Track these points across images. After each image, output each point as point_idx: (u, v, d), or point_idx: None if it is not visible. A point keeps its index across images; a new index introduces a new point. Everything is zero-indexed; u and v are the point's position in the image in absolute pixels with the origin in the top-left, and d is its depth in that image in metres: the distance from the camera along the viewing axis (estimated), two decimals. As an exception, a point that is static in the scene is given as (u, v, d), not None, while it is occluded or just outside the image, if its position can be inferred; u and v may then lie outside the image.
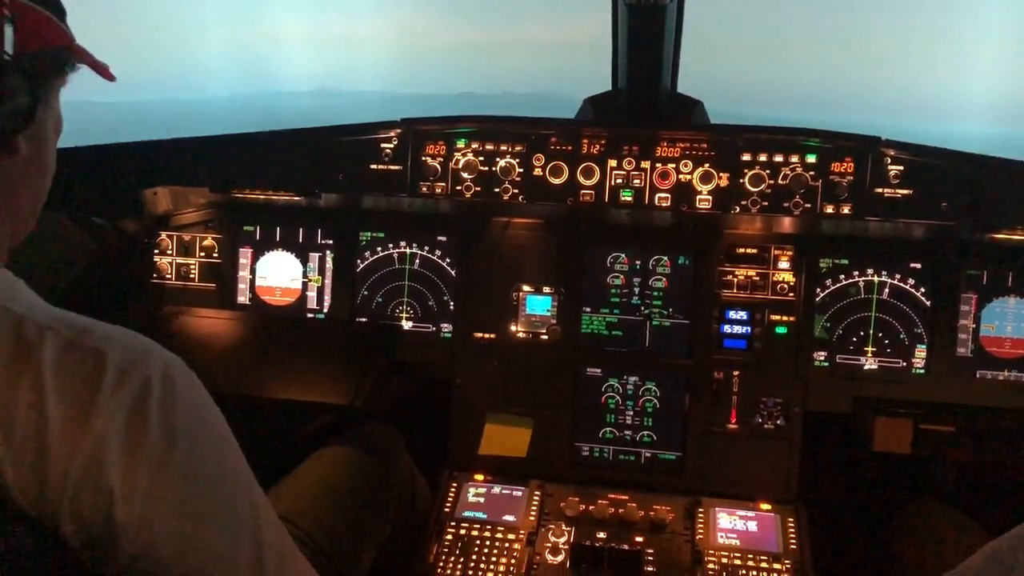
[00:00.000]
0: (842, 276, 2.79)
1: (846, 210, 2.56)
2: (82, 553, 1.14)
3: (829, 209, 2.57)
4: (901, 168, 2.54)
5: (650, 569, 2.39)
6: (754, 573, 2.40)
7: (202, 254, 3.07)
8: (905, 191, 2.54)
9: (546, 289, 2.87)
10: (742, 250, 2.80)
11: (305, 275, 3.03)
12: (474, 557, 2.44)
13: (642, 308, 2.84)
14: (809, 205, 2.58)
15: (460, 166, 2.70)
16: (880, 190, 2.55)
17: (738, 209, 2.61)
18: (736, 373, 2.77)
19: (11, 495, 1.10)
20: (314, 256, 3.02)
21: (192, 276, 3.07)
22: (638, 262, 2.84)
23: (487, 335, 2.90)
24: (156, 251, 3.07)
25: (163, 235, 3.06)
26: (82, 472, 1.10)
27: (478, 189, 2.70)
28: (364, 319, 2.98)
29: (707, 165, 2.61)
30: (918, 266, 2.76)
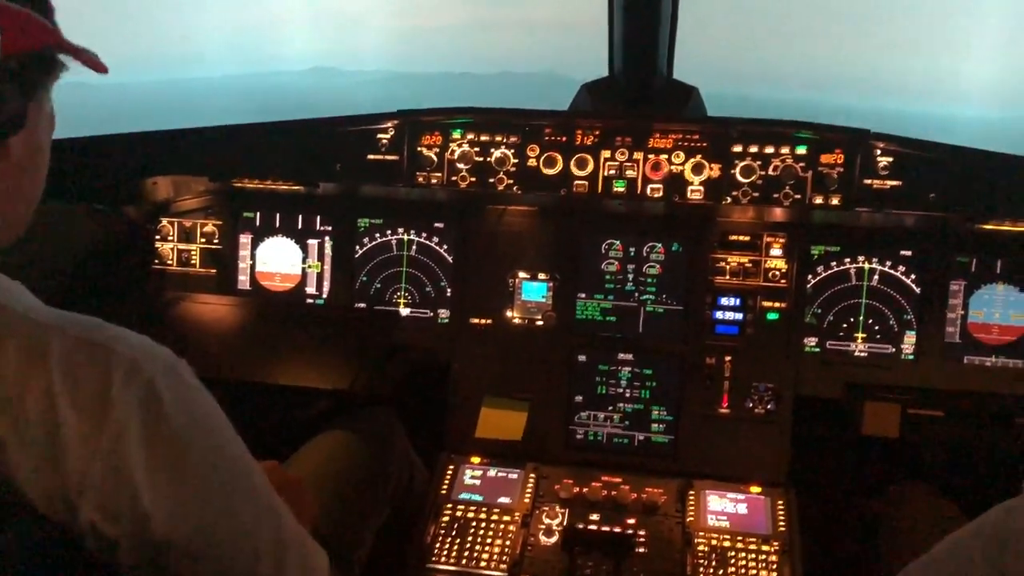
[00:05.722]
0: (833, 263, 2.83)
1: (835, 201, 2.60)
2: (101, 543, 1.16)
3: (818, 200, 2.60)
4: (890, 160, 2.57)
5: (641, 551, 2.43)
6: (743, 555, 2.44)
7: (203, 240, 3.10)
8: (894, 182, 2.57)
9: (541, 275, 2.91)
10: (735, 237, 2.84)
11: (304, 261, 3.07)
12: (470, 538, 2.48)
13: (636, 294, 2.88)
14: (799, 196, 2.61)
15: (456, 156, 2.73)
16: (869, 181, 2.58)
17: (729, 200, 2.64)
18: (728, 358, 2.81)
19: (22, 492, 1.12)
20: (313, 242, 3.06)
21: (193, 262, 3.10)
22: (632, 249, 2.88)
23: (484, 320, 2.94)
24: (157, 237, 3.11)
25: (164, 221, 3.10)
26: (104, 466, 1.13)
27: (473, 179, 2.73)
28: (362, 305, 3.03)
29: (699, 156, 2.63)
30: (908, 253, 2.80)
